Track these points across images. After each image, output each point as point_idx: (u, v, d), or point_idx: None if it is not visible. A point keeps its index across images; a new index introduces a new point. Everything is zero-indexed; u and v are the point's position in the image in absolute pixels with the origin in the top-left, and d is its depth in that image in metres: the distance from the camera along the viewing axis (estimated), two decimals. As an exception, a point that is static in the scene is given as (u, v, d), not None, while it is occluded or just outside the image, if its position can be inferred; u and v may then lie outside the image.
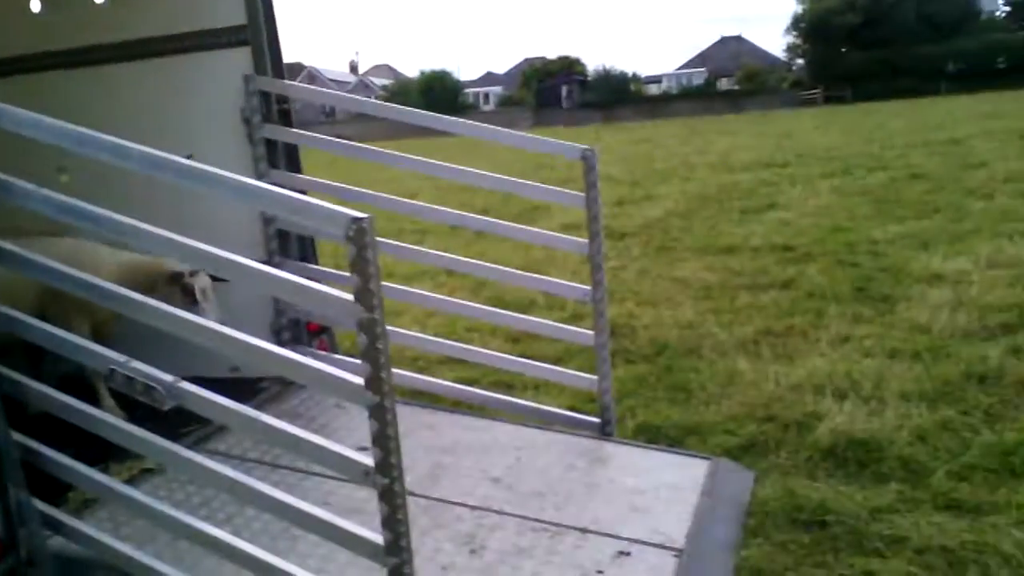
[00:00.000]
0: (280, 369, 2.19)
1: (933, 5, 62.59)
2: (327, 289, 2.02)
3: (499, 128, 4.31)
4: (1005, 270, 7.22)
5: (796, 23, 67.59)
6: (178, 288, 3.92)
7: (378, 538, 2.10)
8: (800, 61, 71.10)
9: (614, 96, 67.35)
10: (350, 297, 1.94)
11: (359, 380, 2.00)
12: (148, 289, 3.76)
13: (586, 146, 3.82)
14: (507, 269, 4.53)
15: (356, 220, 1.90)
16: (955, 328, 5.82)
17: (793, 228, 10.11)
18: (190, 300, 3.91)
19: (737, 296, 7.14)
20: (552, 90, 70.66)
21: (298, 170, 4.54)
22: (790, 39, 70.17)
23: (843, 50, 64.44)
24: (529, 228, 4.59)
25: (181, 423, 3.62)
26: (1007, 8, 70.02)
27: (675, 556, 3.11)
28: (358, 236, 1.90)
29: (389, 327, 4.21)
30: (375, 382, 1.96)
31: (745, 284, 7.55)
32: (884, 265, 7.87)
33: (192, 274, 3.94)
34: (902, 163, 15.90)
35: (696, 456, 4.05)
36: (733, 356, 5.61)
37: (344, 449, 2.12)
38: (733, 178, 15.90)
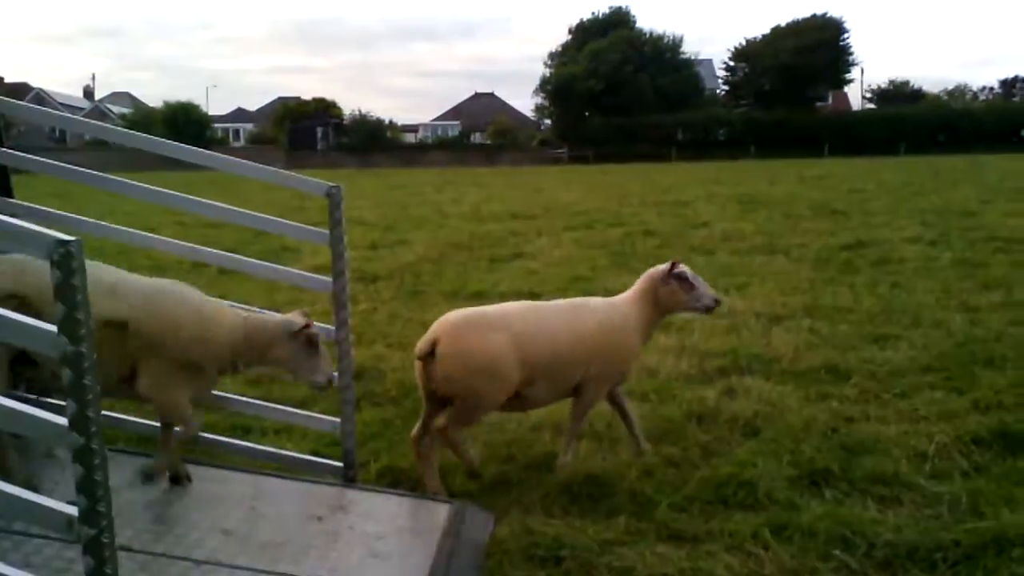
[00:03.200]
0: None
1: (664, 78, 68.80)
2: (25, 319, 1.81)
3: (245, 161, 4.15)
4: (722, 320, 7.92)
5: (544, 85, 71.54)
6: (303, 339, 3.76)
7: (80, 597, 1.88)
8: (548, 121, 75.23)
9: (371, 142, 67.68)
10: (53, 328, 1.75)
11: (62, 420, 1.80)
12: (266, 348, 3.75)
13: (332, 183, 3.76)
14: (247, 307, 4.34)
15: (63, 243, 1.73)
16: (679, 372, 6.29)
17: (538, 276, 10.55)
18: (314, 350, 3.81)
19: (484, 341, 7.28)
20: (307, 131, 69.71)
21: (8, 194, 4.11)
22: (538, 100, 74.11)
23: (586, 114, 69.02)
24: (273, 266, 4.44)
25: None
26: (726, 87, 78.34)
27: (413, 601, 3.07)
28: (64, 260, 1.72)
29: (110, 367, 3.84)
30: (80, 422, 1.77)
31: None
32: (619, 313, 8.38)
33: (307, 323, 3.78)
34: (637, 220, 17.14)
35: (437, 500, 4.06)
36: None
37: (42, 498, 1.89)
38: (484, 227, 16.39)
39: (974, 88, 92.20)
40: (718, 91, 79.20)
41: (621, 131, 67.08)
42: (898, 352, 6.68)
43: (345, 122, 72.53)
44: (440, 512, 3.87)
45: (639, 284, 4.66)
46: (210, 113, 76.95)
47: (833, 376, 6.14)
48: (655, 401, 5.62)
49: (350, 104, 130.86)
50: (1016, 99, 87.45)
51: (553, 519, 3.90)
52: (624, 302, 4.66)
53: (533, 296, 9.14)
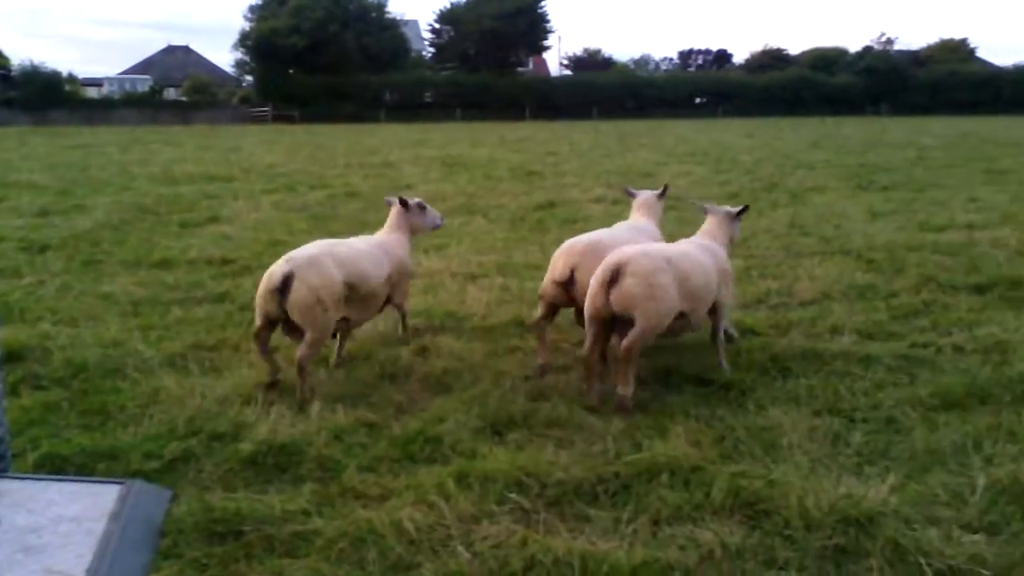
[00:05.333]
0: None
1: (370, 38, 68.19)
2: None
3: None
4: (420, 280, 8.07)
5: (243, 40, 68.09)
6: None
7: None
8: (249, 78, 71.89)
9: (46, 96, 60.69)
10: None
11: None
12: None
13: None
14: None
15: None
16: (375, 333, 6.32)
17: (233, 242, 10.09)
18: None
19: (169, 311, 6.86)
20: (-34, 84, 61.23)
21: None
22: (238, 55, 70.49)
23: (291, 71, 66.78)
24: None
25: None
26: (432, 50, 79.27)
27: (71, 595, 2.82)
28: None
29: None
30: None
31: (178, 299, 7.30)
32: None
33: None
34: (341, 182, 16.94)
35: (106, 482, 3.74)
36: (159, 373, 5.35)
37: None
38: (175, 190, 15.40)
39: (656, 58, 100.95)
40: (424, 53, 80.00)
41: (328, 90, 65.77)
42: (579, 304, 7.16)
43: (13, 74, 64.46)
44: (108, 495, 3.55)
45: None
46: None
47: (521, 330, 6.46)
48: (349, 364, 5.60)
49: (19, 54, 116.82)
50: (691, 69, 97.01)
51: (235, 493, 3.77)
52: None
53: (225, 263, 8.77)
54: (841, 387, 5.01)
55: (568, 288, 5.25)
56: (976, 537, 3.33)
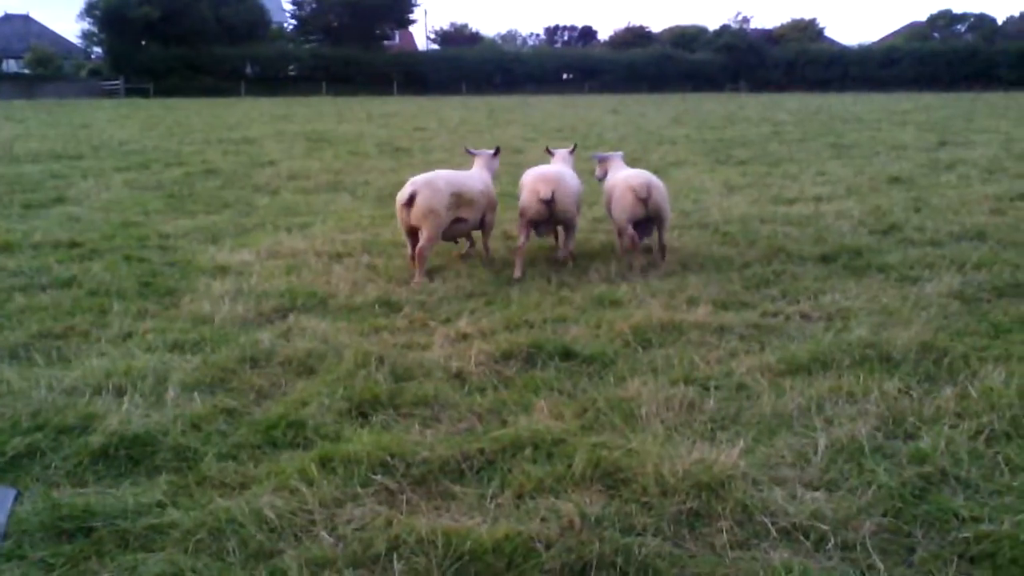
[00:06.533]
0: None
1: (227, 8, 65.58)
2: None
3: None
4: (282, 260, 7.88)
5: (90, 9, 64.15)
6: None
7: None
8: (98, 50, 68.01)
9: None
10: None
11: None
12: None
13: None
14: None
15: None
16: (235, 316, 6.12)
17: (82, 223, 9.58)
18: None
19: (10, 298, 6.45)
20: None
21: None
22: (85, 26, 66.42)
23: (143, 43, 63.53)
24: None
25: None
26: (294, 21, 77.03)
27: None
28: None
29: None
30: None
31: (21, 285, 6.86)
32: (173, 259, 7.93)
33: None
34: (198, 159, 16.32)
35: (-60, 485, 3.52)
36: (0, 366, 5.03)
37: None
38: (18, 170, 14.50)
39: (523, 34, 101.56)
40: (286, 25, 77.66)
41: (185, 63, 62.99)
42: (447, 282, 7.17)
43: None
44: (-56, 500, 3.37)
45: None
46: None
47: (387, 309, 6.41)
48: (208, 349, 5.41)
49: None
50: (558, 45, 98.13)
51: (84, 488, 3.60)
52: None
53: (73, 246, 8.32)
54: (696, 356, 5.21)
55: (549, 205, 7.20)
56: (817, 494, 3.55)
